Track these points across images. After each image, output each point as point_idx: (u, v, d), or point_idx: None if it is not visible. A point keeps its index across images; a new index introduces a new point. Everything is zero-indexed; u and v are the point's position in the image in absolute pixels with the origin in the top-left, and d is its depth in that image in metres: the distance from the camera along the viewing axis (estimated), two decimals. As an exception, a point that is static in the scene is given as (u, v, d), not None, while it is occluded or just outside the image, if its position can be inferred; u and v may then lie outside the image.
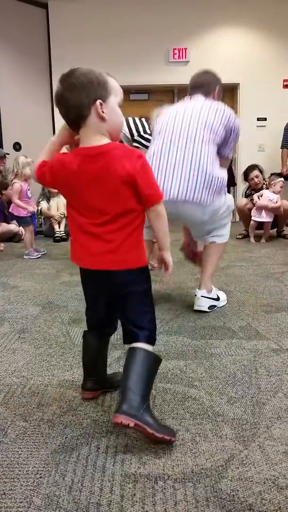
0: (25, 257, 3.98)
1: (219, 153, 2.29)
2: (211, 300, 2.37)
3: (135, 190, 1.14)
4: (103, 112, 1.13)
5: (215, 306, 2.38)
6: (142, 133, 3.02)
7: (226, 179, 2.27)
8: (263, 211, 4.66)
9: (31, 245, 4.02)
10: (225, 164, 2.38)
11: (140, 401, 1.14)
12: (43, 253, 4.07)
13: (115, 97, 1.17)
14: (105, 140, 1.16)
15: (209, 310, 2.34)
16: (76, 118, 1.15)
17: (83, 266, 1.25)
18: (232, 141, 2.34)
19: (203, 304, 2.34)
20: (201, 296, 2.35)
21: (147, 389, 1.19)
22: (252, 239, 4.70)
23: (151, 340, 1.25)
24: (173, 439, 1.18)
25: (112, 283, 1.23)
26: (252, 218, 4.73)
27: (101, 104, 1.12)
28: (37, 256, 3.98)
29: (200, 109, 2.25)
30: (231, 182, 5.48)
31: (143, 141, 3.04)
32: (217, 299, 2.41)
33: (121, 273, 1.20)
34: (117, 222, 1.16)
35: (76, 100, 1.12)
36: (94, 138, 1.15)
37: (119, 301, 1.26)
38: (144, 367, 1.18)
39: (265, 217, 4.68)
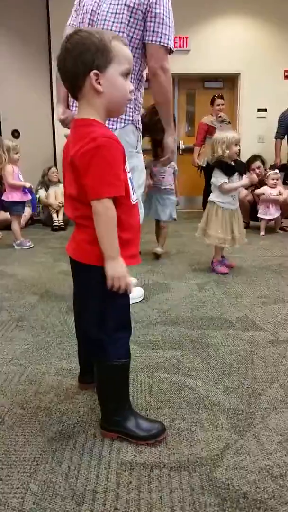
0: (16, 247, 3.95)
1: (144, 41, 1.92)
2: None
3: (76, 176, 1.02)
4: (99, 84, 1.01)
5: None
6: None
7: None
8: (271, 207, 4.55)
9: (20, 234, 4.00)
10: (161, 56, 1.94)
11: (105, 412, 1.20)
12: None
13: (118, 66, 1.02)
14: (89, 114, 1.04)
15: None
16: (71, 88, 1.05)
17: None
18: (158, 24, 1.90)
19: None
20: None
21: (108, 398, 1.19)
22: (262, 232, 4.56)
23: (104, 356, 1.14)
24: (159, 439, 1.17)
25: (75, 275, 1.20)
26: (261, 216, 4.62)
27: (96, 75, 1.00)
28: (30, 246, 3.96)
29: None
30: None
31: None
32: None
33: (79, 265, 1.12)
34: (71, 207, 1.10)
35: (70, 68, 1.02)
36: (84, 110, 1.05)
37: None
38: (100, 380, 1.19)
39: (273, 214, 4.58)
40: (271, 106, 6.51)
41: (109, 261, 1.04)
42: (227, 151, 2.77)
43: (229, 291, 2.56)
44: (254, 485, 1.02)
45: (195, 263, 3.28)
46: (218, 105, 5.59)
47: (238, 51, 6.35)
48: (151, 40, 1.92)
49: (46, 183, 5.37)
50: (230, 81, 6.72)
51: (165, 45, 1.94)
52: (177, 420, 1.27)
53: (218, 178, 2.81)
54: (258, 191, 4.61)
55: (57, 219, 5.09)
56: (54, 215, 5.13)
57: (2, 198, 4.12)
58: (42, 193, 5.27)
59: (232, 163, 2.83)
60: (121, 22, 1.90)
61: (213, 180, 2.85)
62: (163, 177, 3.35)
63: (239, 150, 2.87)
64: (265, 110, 6.55)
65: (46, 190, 5.32)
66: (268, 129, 6.44)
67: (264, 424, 1.25)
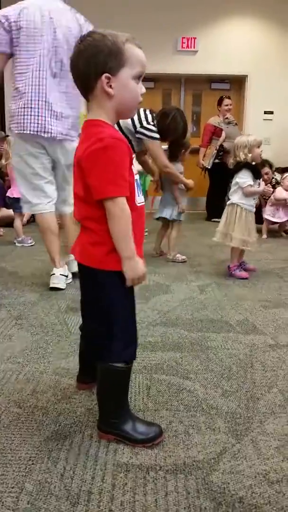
0: (17, 244, 3.95)
1: None
2: (65, 277, 2.60)
3: (82, 176, 1.03)
4: (110, 87, 1.00)
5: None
6: (145, 124, 2.98)
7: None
8: (280, 210, 4.51)
9: (22, 232, 4.00)
10: None
11: (103, 414, 1.19)
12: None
13: (131, 69, 1.01)
14: (99, 116, 1.04)
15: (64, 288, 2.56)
16: (82, 89, 1.05)
17: None
18: None
19: (61, 281, 2.55)
20: (60, 274, 2.56)
21: (107, 401, 1.19)
22: (264, 235, 4.51)
23: (108, 358, 1.14)
24: (156, 442, 1.16)
25: (81, 277, 1.20)
26: (266, 217, 4.56)
27: (108, 78, 1.00)
28: (31, 244, 3.96)
29: (66, 26, 2.32)
30: None
31: (146, 132, 3.00)
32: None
33: (84, 268, 1.12)
34: (79, 209, 1.10)
35: (82, 70, 1.01)
36: (95, 112, 1.05)
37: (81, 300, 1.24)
38: (101, 383, 1.19)
39: (282, 217, 4.53)
40: (278, 108, 6.51)
41: (126, 262, 1.05)
42: (249, 155, 2.75)
43: (230, 293, 2.55)
44: (250, 490, 1.01)
45: (197, 264, 3.27)
46: (227, 105, 5.58)
47: (245, 53, 6.35)
48: None
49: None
50: (237, 83, 6.71)
51: None
52: (175, 422, 1.27)
53: (245, 180, 2.76)
54: (277, 194, 4.49)
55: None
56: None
57: (7, 194, 4.12)
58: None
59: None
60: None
61: (239, 181, 2.78)
62: None
63: (261, 151, 2.84)
64: (271, 112, 6.54)
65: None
66: (274, 132, 6.44)
67: (262, 429, 1.25)
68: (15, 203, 3.99)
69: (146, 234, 4.27)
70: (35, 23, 2.26)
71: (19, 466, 1.07)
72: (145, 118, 3.00)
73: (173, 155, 3.30)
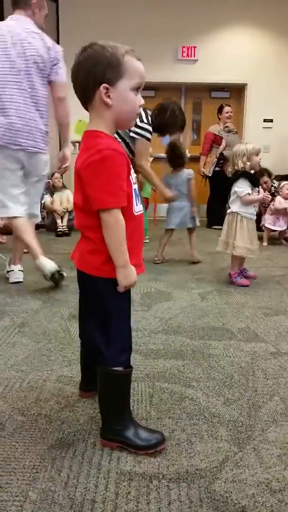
0: None
1: (52, 82, 2.61)
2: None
3: (81, 186, 1.06)
4: (108, 97, 1.02)
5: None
6: (138, 122, 3.00)
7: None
8: (281, 219, 4.52)
9: None
10: (64, 91, 2.64)
11: (105, 421, 1.20)
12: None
13: (129, 81, 1.03)
14: (98, 126, 1.06)
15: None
16: (82, 99, 1.07)
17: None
18: (59, 67, 2.62)
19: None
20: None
21: (109, 407, 1.20)
22: (265, 243, 4.54)
23: (105, 362, 1.16)
24: (158, 449, 1.17)
25: (80, 283, 1.22)
26: (267, 226, 4.58)
27: (106, 89, 1.01)
28: None
29: (30, 44, 2.51)
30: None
31: (139, 130, 3.02)
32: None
33: (82, 274, 1.15)
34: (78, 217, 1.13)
35: (81, 80, 1.04)
36: (94, 122, 1.07)
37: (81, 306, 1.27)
38: (102, 388, 1.20)
39: (282, 226, 4.54)
40: (278, 116, 6.55)
41: (120, 270, 1.07)
42: (248, 163, 2.75)
43: (231, 301, 2.56)
44: (252, 499, 1.02)
45: (198, 272, 3.28)
46: (227, 112, 5.63)
47: (245, 62, 6.40)
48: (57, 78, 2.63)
49: (50, 189, 5.40)
50: (236, 91, 6.76)
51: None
52: (177, 431, 1.27)
53: (243, 189, 2.76)
54: (277, 205, 4.50)
55: (61, 224, 5.12)
56: (59, 221, 5.16)
57: None
58: (47, 198, 5.30)
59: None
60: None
61: (237, 190, 2.78)
62: None
63: (260, 159, 2.85)
64: (271, 120, 6.58)
65: (51, 196, 5.35)
66: (274, 140, 6.47)
67: (264, 437, 1.25)
68: None
69: (147, 241, 4.33)
70: (6, 43, 2.43)
71: (23, 475, 1.08)
72: (139, 117, 3.03)
73: (179, 163, 3.37)
